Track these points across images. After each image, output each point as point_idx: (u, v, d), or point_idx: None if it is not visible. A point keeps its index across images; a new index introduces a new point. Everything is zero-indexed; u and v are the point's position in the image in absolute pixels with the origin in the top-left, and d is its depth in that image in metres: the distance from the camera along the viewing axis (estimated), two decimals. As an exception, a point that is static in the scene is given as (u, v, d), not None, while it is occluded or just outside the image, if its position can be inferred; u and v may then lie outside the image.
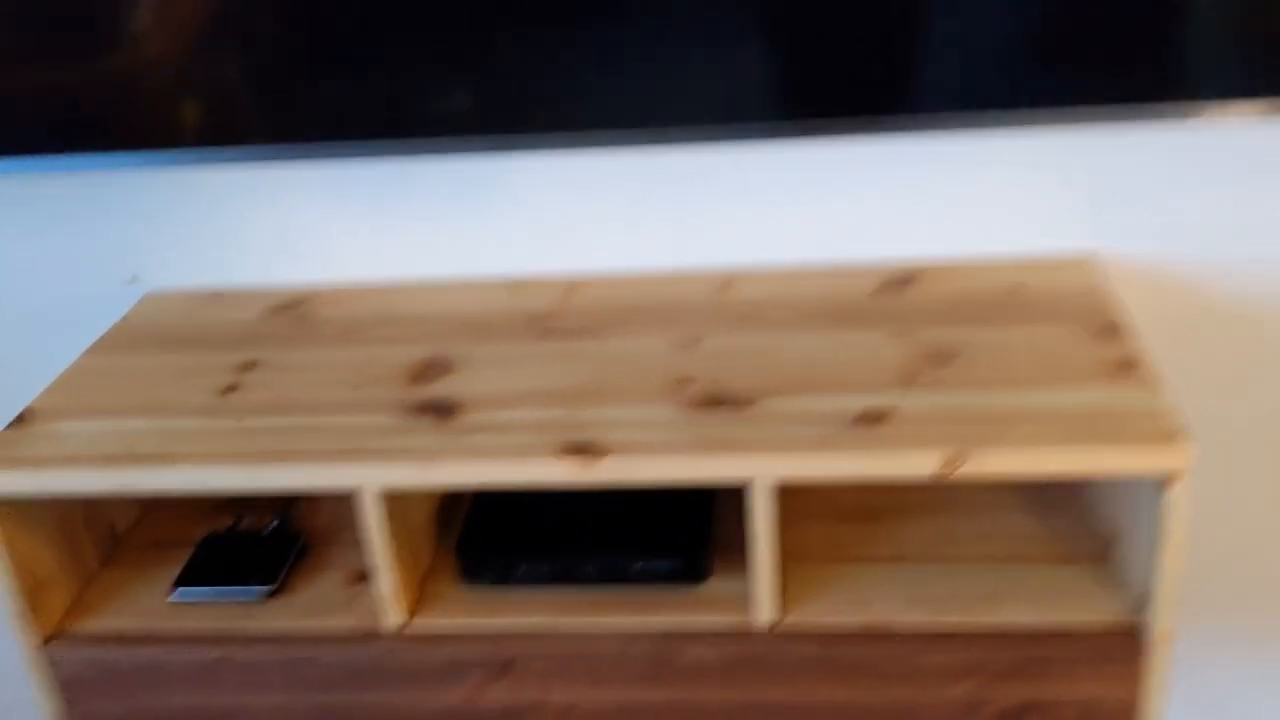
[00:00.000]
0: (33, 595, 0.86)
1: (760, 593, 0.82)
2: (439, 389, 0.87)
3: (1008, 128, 0.90)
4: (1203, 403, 1.02)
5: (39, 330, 1.09)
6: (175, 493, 0.82)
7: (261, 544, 0.94)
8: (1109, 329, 0.87)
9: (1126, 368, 0.82)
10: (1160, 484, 0.75)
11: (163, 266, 1.06)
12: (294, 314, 1.01)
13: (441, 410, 0.84)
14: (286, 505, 0.99)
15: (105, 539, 0.95)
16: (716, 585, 0.87)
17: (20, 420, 0.87)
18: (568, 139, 0.93)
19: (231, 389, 0.89)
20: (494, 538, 0.88)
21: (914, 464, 0.75)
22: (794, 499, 0.95)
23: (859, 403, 0.81)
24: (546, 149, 0.94)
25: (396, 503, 0.83)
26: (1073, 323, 0.89)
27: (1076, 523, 0.90)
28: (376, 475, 0.79)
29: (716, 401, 0.82)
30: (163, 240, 1.05)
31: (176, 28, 0.91)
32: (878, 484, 0.96)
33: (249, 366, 0.92)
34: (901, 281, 0.97)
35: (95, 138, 0.96)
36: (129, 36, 0.91)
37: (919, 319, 0.91)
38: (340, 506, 0.99)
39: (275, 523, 0.96)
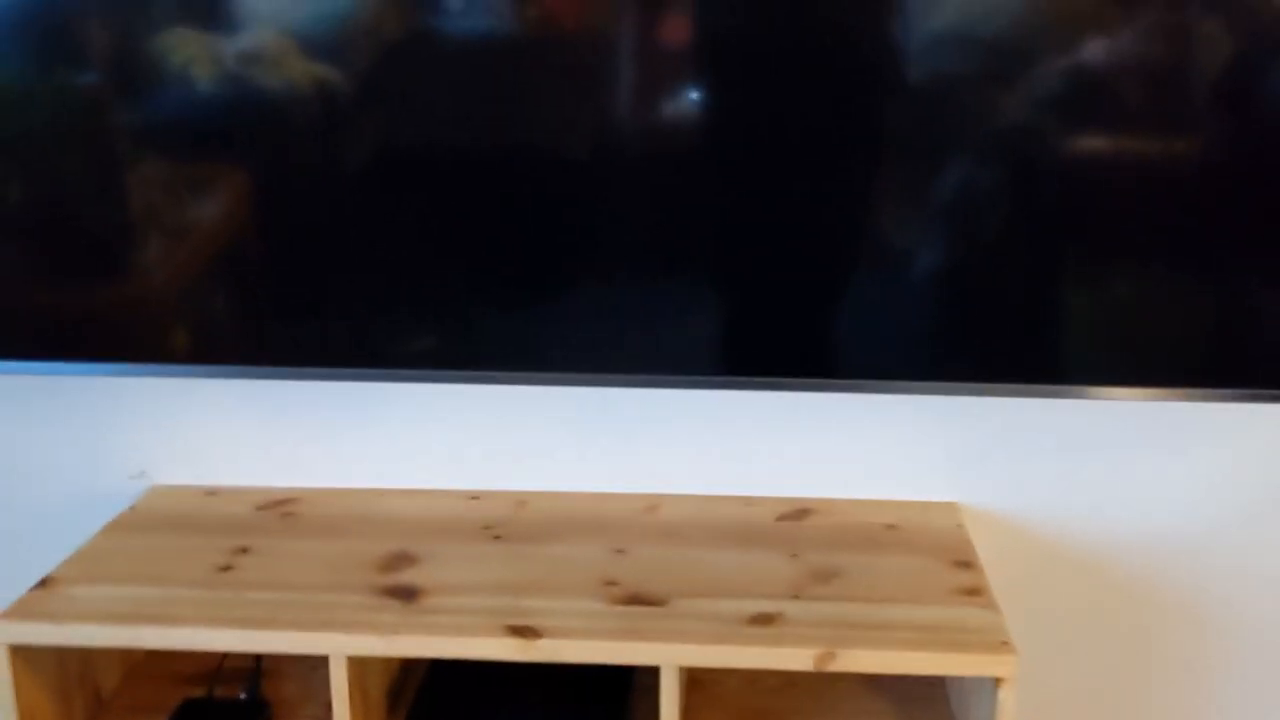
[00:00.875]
0: (30, 739, 0.99)
1: (665, 770, 0.96)
2: (404, 577, 1.03)
3: (890, 394, 1.11)
4: (1035, 622, 1.20)
5: (58, 515, 1.24)
6: (175, 648, 0.96)
7: (232, 712, 1.07)
8: (962, 563, 1.06)
9: (973, 593, 1.00)
10: (993, 685, 0.92)
11: (167, 465, 1.23)
12: (280, 511, 1.17)
13: (405, 594, 1.00)
14: (255, 679, 1.12)
15: (92, 700, 1.08)
16: (628, 763, 1.01)
17: (42, 585, 1.02)
18: (522, 376, 1.12)
19: (226, 568, 1.05)
20: (440, 713, 1.02)
21: (794, 658, 0.92)
22: (699, 698, 1.10)
23: (754, 607, 0.98)
24: (503, 383, 1.13)
25: (360, 672, 0.97)
26: (933, 556, 1.07)
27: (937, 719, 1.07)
28: (345, 643, 0.94)
29: (637, 600, 0.99)
30: (167, 442, 1.22)
31: (174, 266, 1.10)
32: (764, 673, 1.12)
33: (241, 551, 1.08)
34: (798, 514, 1.16)
35: (109, 349, 1.13)
36: (137, 268, 1.10)
37: (810, 544, 1.09)
38: (304, 681, 1.12)
39: (244, 695, 1.10)
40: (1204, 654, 1.20)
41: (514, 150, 1.04)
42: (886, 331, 1.06)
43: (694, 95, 1.02)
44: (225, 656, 1.15)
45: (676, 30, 1.02)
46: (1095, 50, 1.01)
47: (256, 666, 1.13)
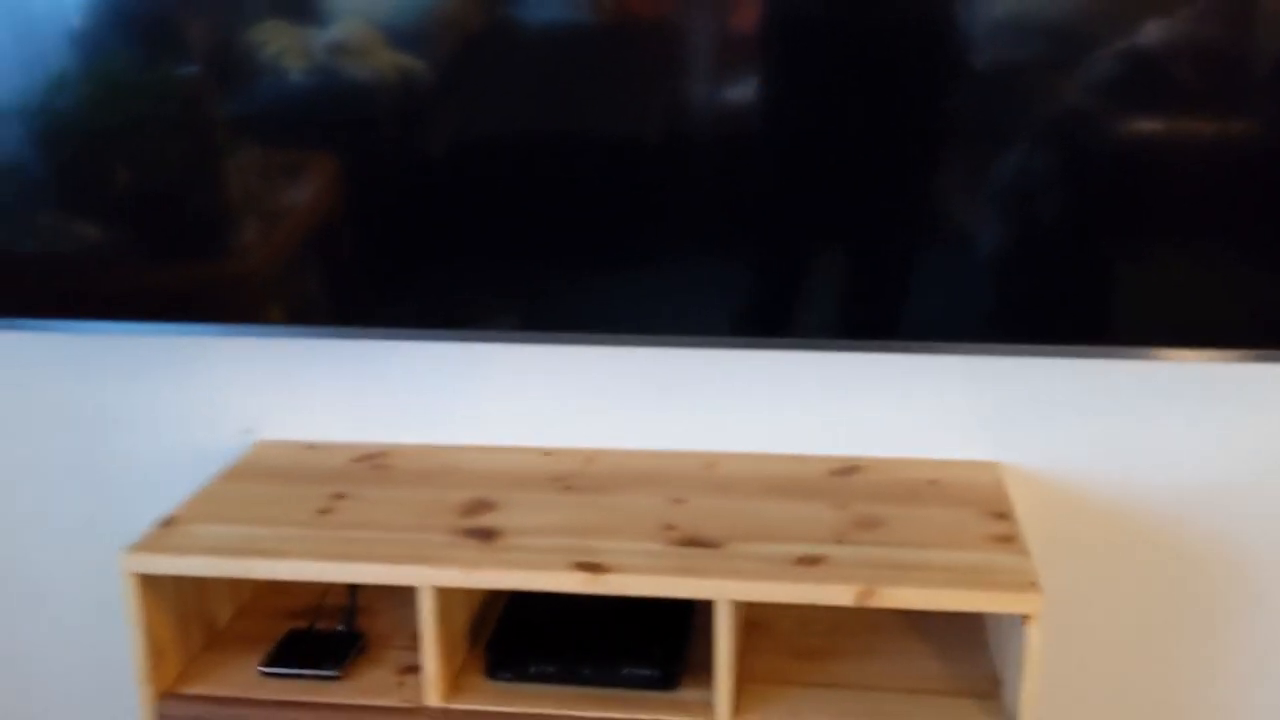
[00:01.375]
0: (154, 659, 1.11)
1: (720, 701, 1.06)
2: (483, 520, 1.14)
3: (935, 354, 1.19)
4: (1071, 571, 1.28)
5: (177, 465, 1.37)
6: (282, 579, 1.08)
7: (330, 641, 1.19)
8: (998, 514, 1.14)
9: (1006, 540, 1.09)
10: (1022, 621, 1.00)
11: (272, 422, 1.35)
12: (372, 463, 1.28)
13: (484, 534, 1.11)
14: (351, 613, 1.24)
15: (207, 629, 1.21)
16: (687, 693, 1.11)
17: (165, 524, 1.14)
18: (596, 338, 1.22)
19: (325, 511, 1.16)
20: (514, 642, 1.13)
21: (837, 594, 1.01)
22: (752, 636, 1.20)
23: (801, 550, 1.07)
24: (579, 344, 1.24)
25: (444, 604, 1.08)
26: (971, 508, 1.15)
27: (974, 664, 1.15)
28: (432, 575, 1.05)
29: (694, 542, 1.09)
30: (272, 401, 1.34)
31: (280, 241, 1.22)
32: (813, 618, 1.21)
33: (339, 497, 1.20)
34: (847, 470, 1.25)
35: (221, 315, 1.25)
36: (246, 243, 1.22)
37: (856, 497, 1.18)
38: (393, 616, 1.24)
39: (341, 626, 1.21)
40: (1230, 602, 1.27)
41: (589, 132, 1.13)
42: (937, 298, 1.14)
43: (765, 78, 1.10)
44: (325, 594, 1.27)
45: (746, 16, 1.10)
46: (1153, 32, 1.08)
47: (352, 602, 1.25)
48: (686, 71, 1.10)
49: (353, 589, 1.27)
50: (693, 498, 1.18)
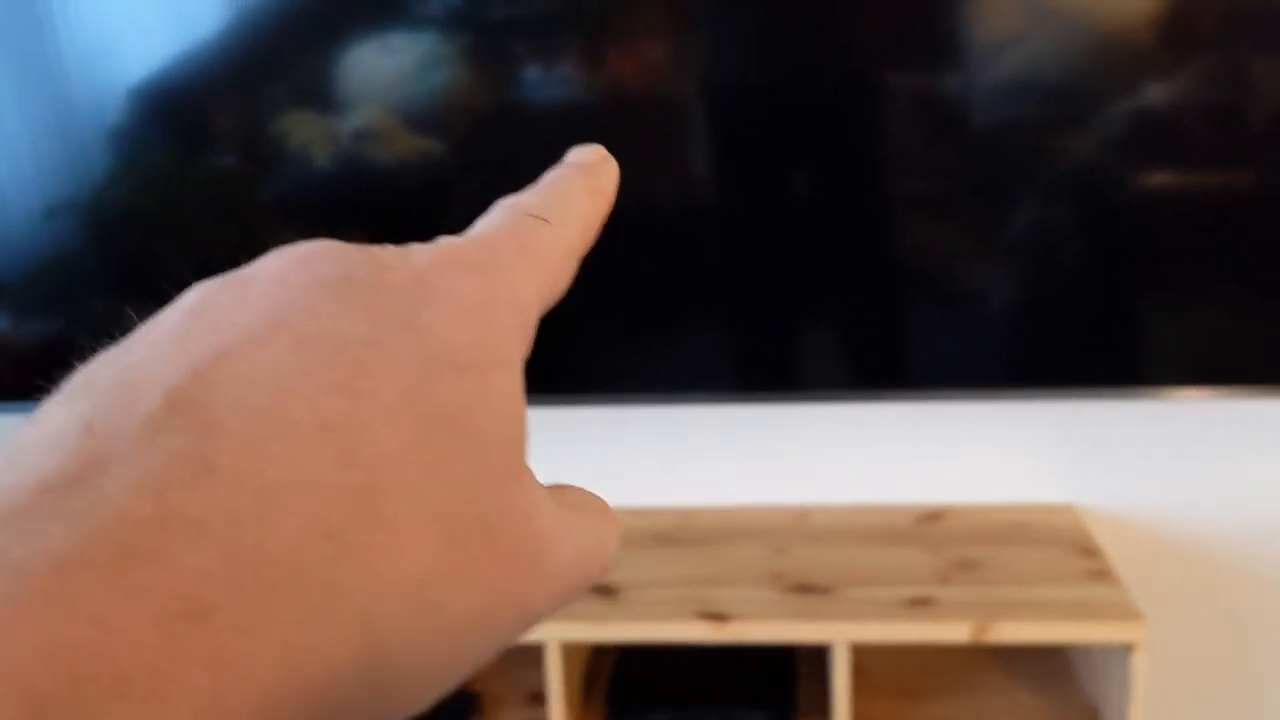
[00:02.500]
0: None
1: (834, 740, 1.11)
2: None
3: (1011, 401, 1.26)
4: (1144, 609, 1.34)
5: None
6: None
7: (444, 704, 1.22)
8: (1086, 551, 1.20)
9: (1100, 575, 1.15)
10: (1126, 651, 1.06)
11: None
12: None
13: (604, 590, 1.16)
14: (461, 675, 1.28)
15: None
16: (800, 736, 1.15)
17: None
18: (680, 397, 1.28)
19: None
20: (632, 693, 1.17)
21: (952, 632, 1.07)
22: (861, 679, 1.25)
23: (909, 592, 1.13)
24: (658, 404, 1.30)
25: (566, 660, 1.13)
26: (1059, 547, 1.22)
27: (1068, 696, 1.20)
28: (560, 630, 1.10)
29: (805, 589, 1.14)
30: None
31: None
32: (912, 658, 1.26)
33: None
34: (932, 517, 1.31)
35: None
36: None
37: (947, 542, 1.24)
38: (504, 677, 1.28)
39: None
40: (1303, 636, 1.33)
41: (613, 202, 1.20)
42: (998, 349, 1.21)
43: (771, 144, 1.17)
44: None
45: (744, 89, 1.18)
46: (1153, 93, 1.17)
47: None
48: (689, 141, 1.18)
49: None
50: (792, 548, 1.24)
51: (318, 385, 0.18)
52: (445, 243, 0.22)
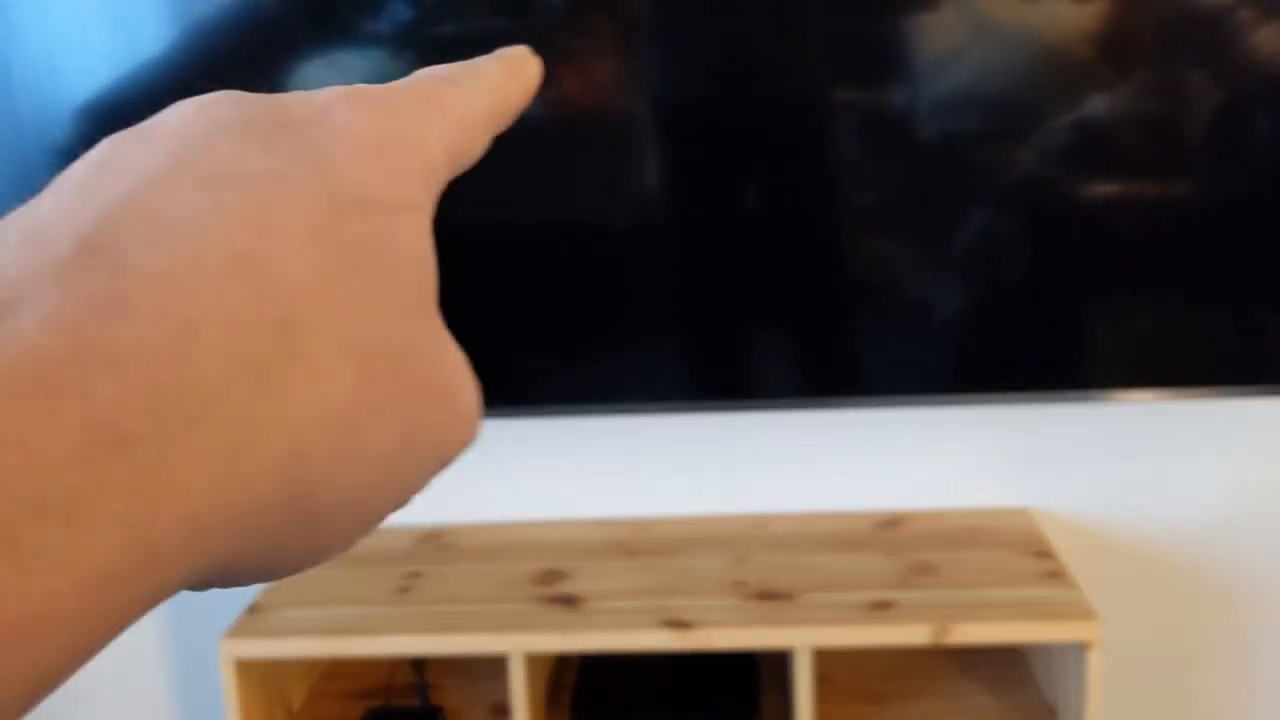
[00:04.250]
0: (247, 744, 1.14)
1: (798, 745, 1.12)
2: (561, 588, 1.19)
3: (964, 407, 1.28)
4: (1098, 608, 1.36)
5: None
6: (376, 657, 1.12)
7: (409, 718, 1.22)
8: (1041, 553, 1.22)
9: (1054, 577, 1.17)
10: (1082, 650, 1.08)
11: (325, 510, 1.39)
12: (437, 543, 1.33)
13: (567, 601, 1.16)
14: (423, 689, 1.27)
15: (287, 712, 1.24)
16: (763, 742, 1.16)
17: (251, 610, 1.18)
18: (637, 408, 1.28)
19: (405, 589, 1.21)
20: (597, 703, 1.18)
21: (913, 634, 1.08)
22: (823, 684, 1.26)
23: (870, 596, 1.14)
24: (620, 414, 1.30)
25: (530, 671, 1.13)
26: (1014, 550, 1.23)
27: (1026, 696, 1.22)
28: (524, 642, 1.10)
29: (767, 595, 1.15)
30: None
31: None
32: (871, 663, 1.27)
33: (414, 575, 1.24)
34: (890, 523, 1.32)
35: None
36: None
37: (905, 547, 1.26)
38: (465, 690, 1.28)
39: (417, 703, 1.25)
40: (1254, 634, 1.36)
41: (563, 217, 1.21)
42: (948, 356, 1.23)
43: (721, 159, 1.18)
44: (393, 672, 1.31)
45: (693, 105, 1.19)
46: (1093, 105, 1.19)
47: (422, 679, 1.28)
48: (641, 158, 1.19)
49: (419, 666, 1.31)
50: (753, 556, 1.25)
51: (227, 222, 0.18)
52: (349, 86, 0.22)
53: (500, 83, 0.26)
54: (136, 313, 0.17)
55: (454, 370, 0.21)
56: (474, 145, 0.24)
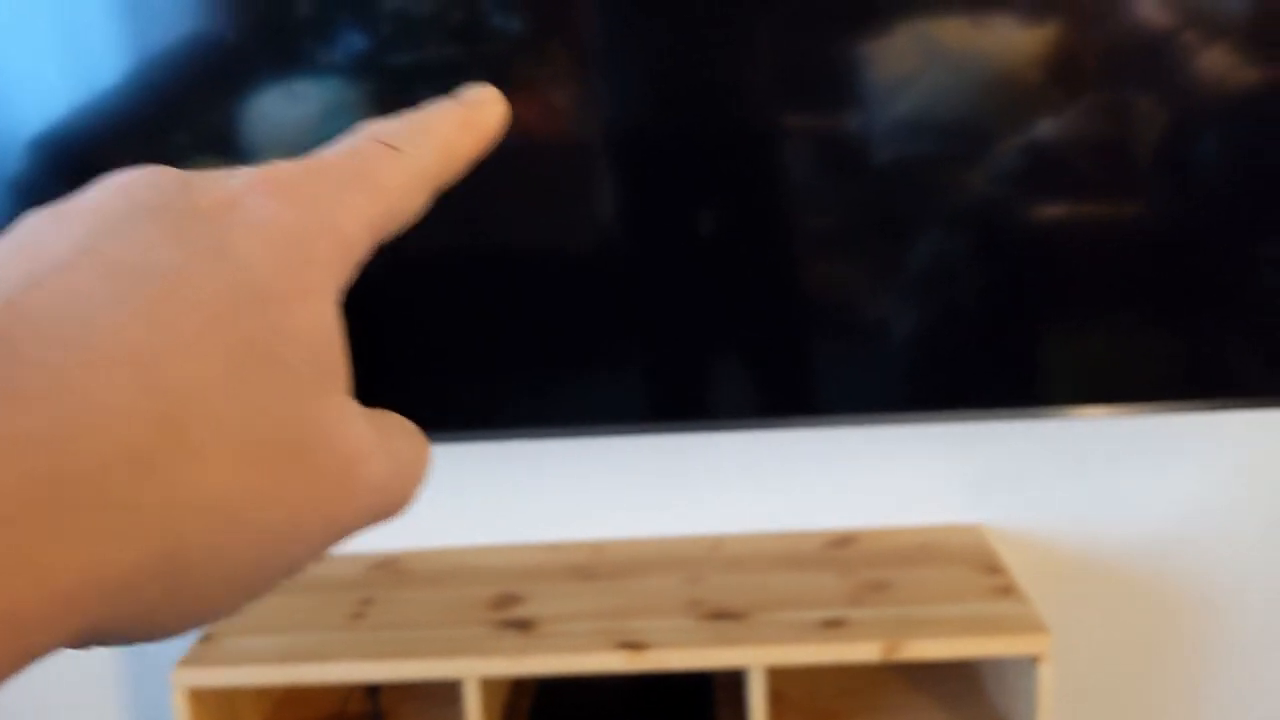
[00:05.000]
0: (199, 776, 1.13)
1: (753, 764, 1.12)
2: (515, 612, 1.19)
3: (915, 425, 1.29)
4: (1052, 622, 1.38)
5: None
6: (330, 684, 1.11)
7: (363, 745, 1.22)
8: (992, 569, 1.23)
9: (1005, 591, 1.18)
10: (1032, 664, 1.09)
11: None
12: (389, 569, 1.33)
13: (521, 625, 1.16)
14: (377, 717, 1.27)
15: (239, 743, 1.23)
16: (719, 762, 1.16)
17: (204, 639, 1.17)
18: (591, 430, 1.29)
19: (358, 615, 1.20)
20: (553, 728, 1.18)
21: (865, 651, 1.09)
22: (777, 703, 1.26)
23: (822, 614, 1.15)
24: (574, 437, 1.31)
25: (485, 696, 1.13)
26: (965, 566, 1.25)
27: (978, 711, 1.23)
28: (479, 666, 1.10)
29: (721, 615, 1.16)
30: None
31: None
32: (825, 681, 1.28)
33: (367, 602, 1.24)
34: (842, 541, 1.33)
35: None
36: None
37: (857, 565, 1.27)
38: (421, 715, 1.27)
39: (370, 731, 1.24)
40: (1206, 646, 1.38)
41: (518, 242, 1.22)
42: (900, 375, 1.24)
43: (676, 183, 1.20)
44: (347, 699, 1.30)
45: (649, 130, 1.20)
46: (1044, 128, 1.22)
47: (375, 706, 1.28)
48: (598, 184, 1.20)
49: (374, 692, 1.30)
50: (707, 576, 1.25)
51: (125, 316, 0.19)
52: (271, 166, 0.23)
53: (450, 140, 0.26)
54: (26, 404, 0.18)
55: (354, 448, 0.22)
56: (410, 209, 0.25)
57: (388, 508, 0.23)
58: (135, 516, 0.18)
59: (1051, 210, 1.22)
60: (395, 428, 0.24)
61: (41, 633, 0.18)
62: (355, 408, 0.22)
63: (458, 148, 0.26)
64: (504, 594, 1.24)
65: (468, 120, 0.27)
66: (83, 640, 0.19)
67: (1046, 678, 1.09)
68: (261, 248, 0.21)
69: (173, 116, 1.18)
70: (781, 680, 1.30)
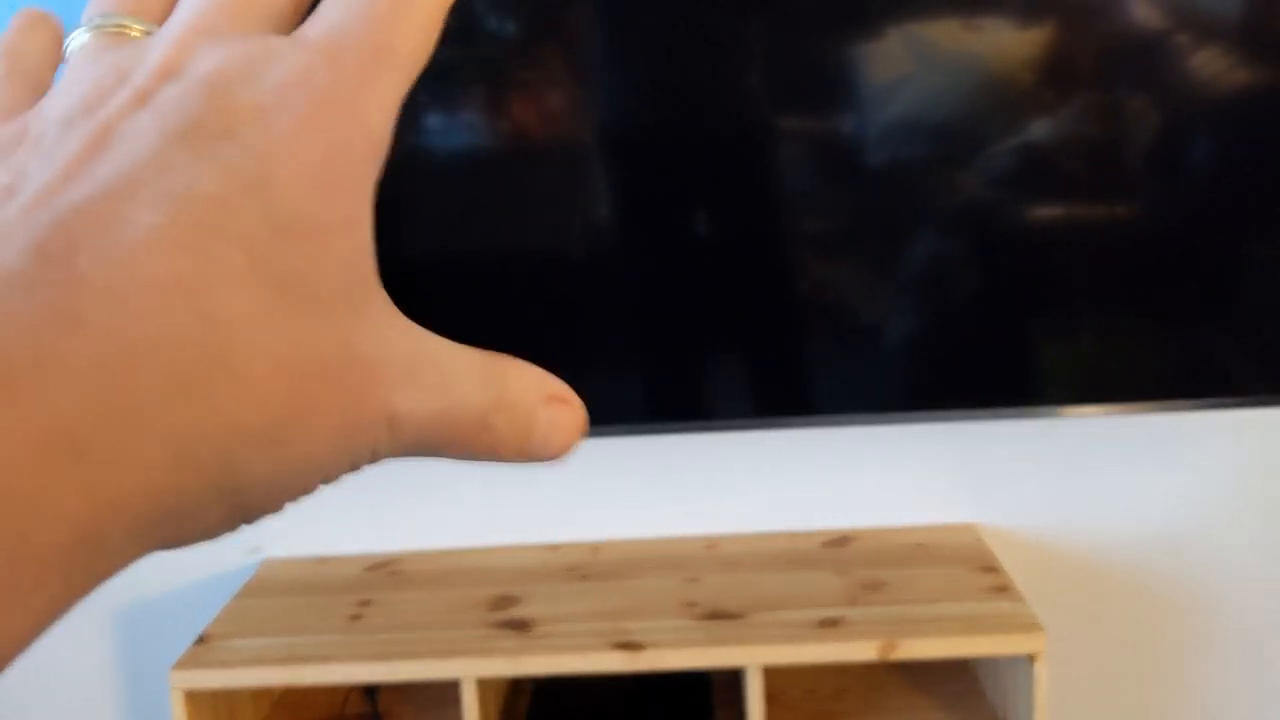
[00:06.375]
0: (197, 777, 1.13)
1: (751, 764, 1.12)
2: (512, 613, 1.19)
3: (911, 425, 1.30)
4: (1046, 622, 1.38)
5: (190, 588, 1.39)
6: (328, 685, 1.11)
7: (361, 746, 1.22)
8: (988, 569, 1.24)
9: (1001, 590, 1.18)
10: (1028, 663, 1.09)
11: (276, 539, 1.38)
12: (386, 571, 1.33)
13: (518, 625, 1.16)
14: (375, 716, 1.27)
15: (237, 744, 1.23)
16: (717, 762, 1.17)
17: (200, 641, 1.17)
18: (589, 430, 1.29)
19: (356, 617, 1.20)
20: (550, 728, 1.18)
21: (861, 650, 1.09)
22: (774, 703, 1.26)
23: (819, 614, 1.15)
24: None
25: (482, 696, 1.13)
26: (962, 565, 1.25)
27: (975, 710, 1.23)
28: (476, 666, 1.10)
29: (717, 615, 1.16)
30: (276, 519, 1.37)
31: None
32: (822, 681, 1.28)
33: (364, 603, 1.24)
34: (839, 541, 1.34)
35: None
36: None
37: (854, 565, 1.27)
38: (419, 715, 1.27)
39: (369, 732, 1.25)
40: (1198, 644, 1.38)
41: (514, 243, 1.22)
42: (896, 375, 1.25)
43: (673, 185, 1.21)
44: (345, 702, 1.30)
45: (646, 133, 1.20)
46: (1036, 130, 1.22)
47: (374, 707, 1.28)
48: (592, 186, 1.20)
49: (372, 693, 1.30)
50: (704, 576, 1.26)
51: (173, 244, 0.20)
52: (294, 46, 0.22)
53: None
54: (88, 328, 0.18)
55: (392, 378, 0.22)
56: (428, 52, 0.25)
57: (430, 444, 0.23)
58: (194, 444, 0.19)
59: (1046, 211, 1.23)
60: (459, 365, 0.24)
61: (118, 554, 0.19)
62: (394, 327, 0.23)
63: None
64: (501, 595, 1.24)
65: None
66: (153, 550, 0.20)
67: (1043, 677, 1.09)
68: (297, 173, 0.21)
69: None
70: (778, 680, 1.30)
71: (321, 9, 0.24)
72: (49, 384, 0.18)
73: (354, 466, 0.22)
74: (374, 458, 0.23)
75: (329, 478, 0.22)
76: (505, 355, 0.25)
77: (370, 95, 0.23)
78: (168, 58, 0.22)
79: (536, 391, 0.26)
